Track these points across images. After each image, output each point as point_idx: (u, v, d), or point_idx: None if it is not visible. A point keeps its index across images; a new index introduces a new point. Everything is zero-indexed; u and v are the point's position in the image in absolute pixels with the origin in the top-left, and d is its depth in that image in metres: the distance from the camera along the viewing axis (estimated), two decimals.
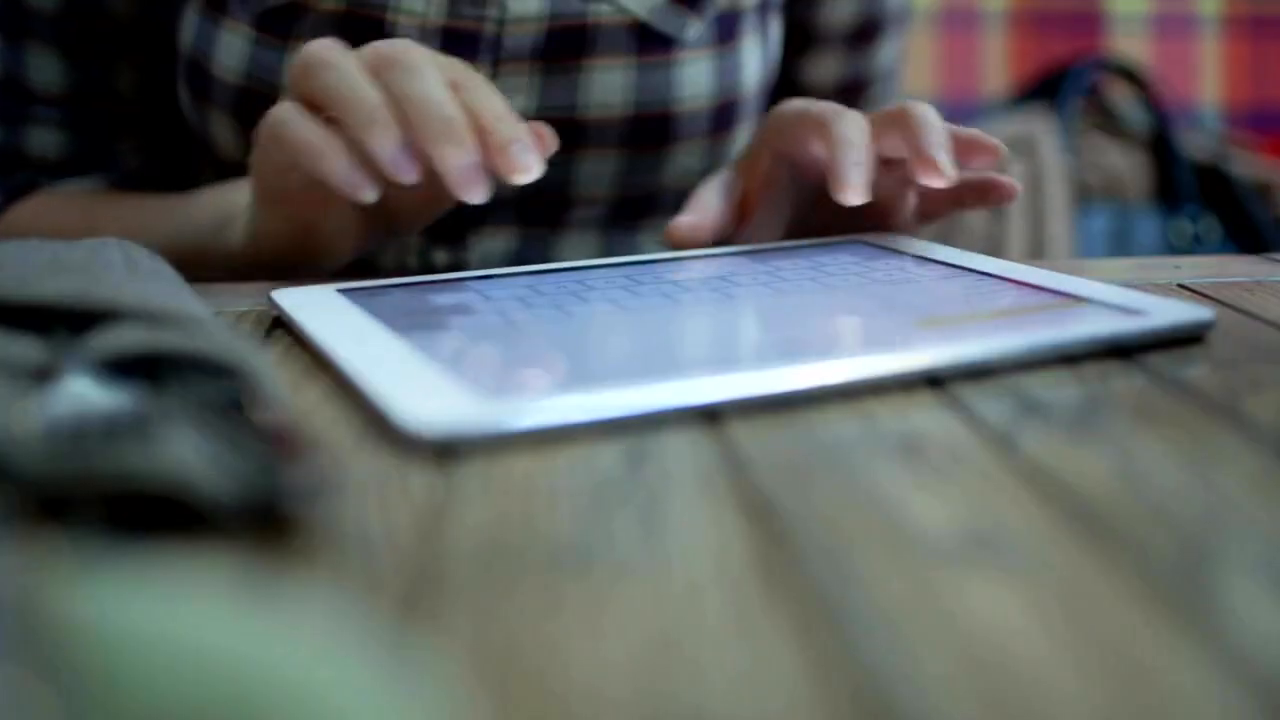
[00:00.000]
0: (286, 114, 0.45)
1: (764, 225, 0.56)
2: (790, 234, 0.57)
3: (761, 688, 0.19)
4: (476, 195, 0.42)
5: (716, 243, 0.55)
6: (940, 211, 0.54)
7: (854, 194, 0.47)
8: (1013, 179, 0.51)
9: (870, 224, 0.55)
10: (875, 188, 0.52)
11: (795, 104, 0.53)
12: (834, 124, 0.49)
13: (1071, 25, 1.49)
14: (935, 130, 0.48)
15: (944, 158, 0.47)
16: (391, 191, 0.50)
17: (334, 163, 0.44)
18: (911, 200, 0.54)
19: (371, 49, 0.44)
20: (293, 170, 0.47)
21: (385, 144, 0.42)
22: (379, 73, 0.44)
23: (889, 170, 0.52)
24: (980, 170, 0.51)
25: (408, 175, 0.42)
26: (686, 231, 0.53)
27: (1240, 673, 0.20)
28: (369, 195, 0.44)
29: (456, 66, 0.45)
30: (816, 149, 0.51)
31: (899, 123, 0.49)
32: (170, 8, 0.65)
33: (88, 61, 0.65)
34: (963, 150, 0.49)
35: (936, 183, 0.47)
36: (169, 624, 0.16)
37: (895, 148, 0.50)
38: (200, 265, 0.57)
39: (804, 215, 0.56)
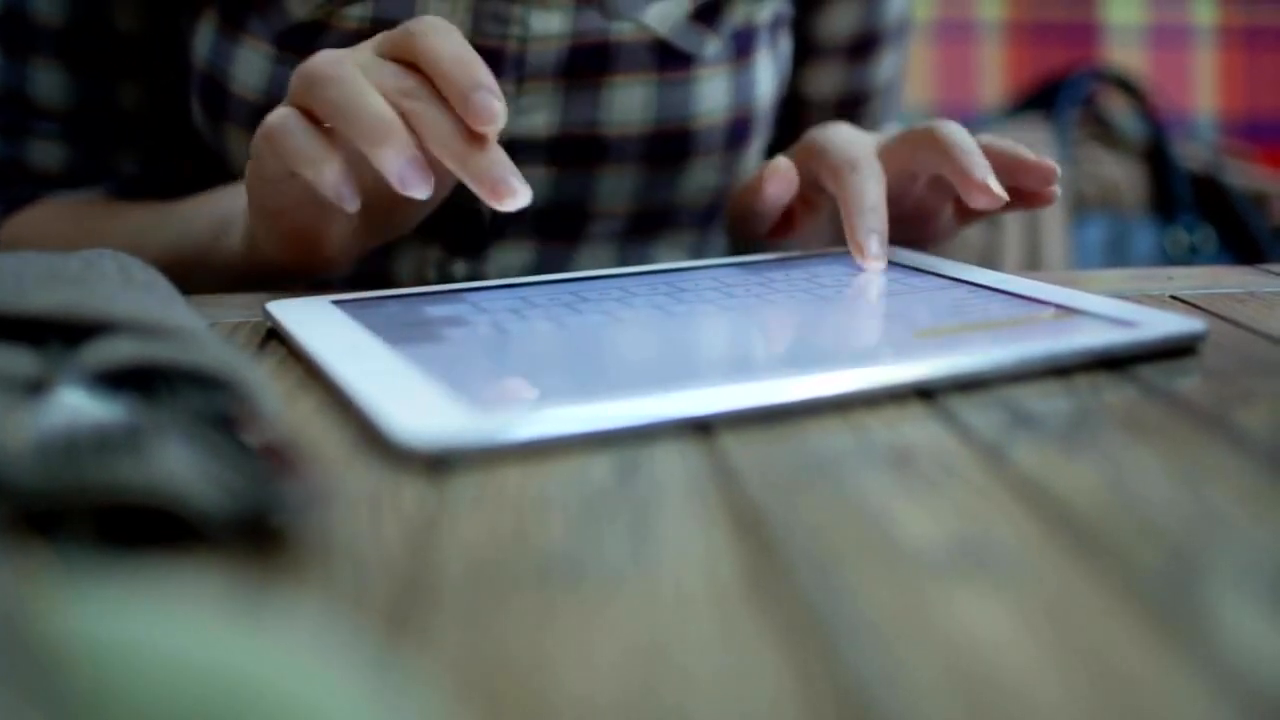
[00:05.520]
0: (285, 122, 0.44)
1: (809, 248, 0.58)
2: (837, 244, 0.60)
3: (749, 697, 0.19)
4: (518, 202, 0.42)
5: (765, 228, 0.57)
6: (977, 215, 0.56)
7: (871, 262, 0.49)
8: (1056, 191, 0.52)
9: (913, 233, 0.57)
10: (912, 202, 0.54)
11: (818, 136, 0.54)
12: (848, 183, 0.51)
13: (1068, 35, 1.49)
14: (975, 153, 0.49)
15: (994, 182, 0.48)
16: (382, 197, 0.50)
17: (326, 173, 0.43)
18: (949, 209, 0.56)
19: (376, 65, 0.44)
20: (288, 180, 0.46)
21: (392, 161, 0.42)
22: (384, 88, 0.43)
23: (929, 186, 0.54)
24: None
25: (418, 191, 0.42)
26: (782, 180, 0.54)
27: (1228, 686, 0.20)
28: (354, 205, 0.44)
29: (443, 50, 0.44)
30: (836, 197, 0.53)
31: (932, 146, 0.50)
32: (178, 24, 0.65)
33: (91, 77, 0.65)
34: (1014, 171, 0.50)
35: (988, 205, 0.49)
36: (158, 637, 0.16)
37: (930, 165, 0.51)
38: (201, 272, 0.56)
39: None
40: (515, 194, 0.42)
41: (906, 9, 0.73)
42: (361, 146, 0.42)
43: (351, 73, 0.43)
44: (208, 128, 0.64)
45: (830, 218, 0.58)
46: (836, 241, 0.59)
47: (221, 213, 0.56)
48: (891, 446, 0.31)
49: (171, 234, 0.59)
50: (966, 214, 0.56)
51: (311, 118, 0.44)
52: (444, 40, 0.43)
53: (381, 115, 0.42)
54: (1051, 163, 0.50)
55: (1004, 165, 0.50)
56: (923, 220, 0.56)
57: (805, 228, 0.58)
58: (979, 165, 0.48)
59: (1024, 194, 0.52)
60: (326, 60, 0.44)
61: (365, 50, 0.45)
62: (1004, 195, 0.48)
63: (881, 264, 0.49)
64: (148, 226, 0.60)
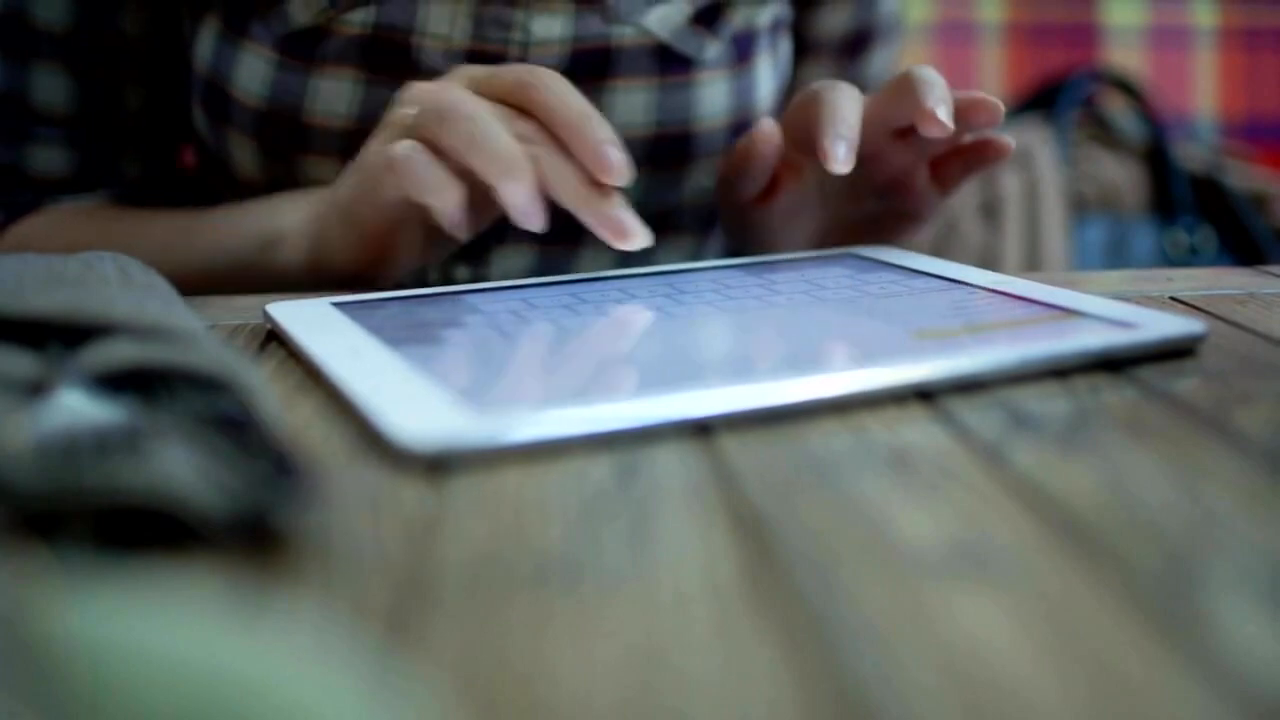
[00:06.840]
0: (412, 153, 0.47)
1: (795, 220, 0.59)
2: (830, 232, 0.60)
3: (748, 698, 0.19)
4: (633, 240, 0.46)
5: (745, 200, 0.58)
6: (953, 178, 0.57)
7: (837, 164, 0.50)
8: (1007, 139, 0.55)
9: (894, 200, 0.58)
10: (890, 162, 0.55)
11: (801, 93, 0.56)
12: (823, 99, 0.52)
13: (1068, 37, 1.49)
14: (935, 87, 0.51)
15: (944, 111, 0.50)
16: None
17: (450, 204, 0.46)
18: (924, 172, 0.57)
19: (496, 109, 0.47)
20: (398, 205, 0.49)
21: (520, 195, 0.45)
22: (509, 120, 0.47)
23: (903, 142, 0.54)
24: (980, 131, 0.54)
25: (535, 224, 0.45)
26: (767, 135, 0.55)
27: (1226, 688, 0.20)
28: (465, 236, 0.48)
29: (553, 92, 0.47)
30: (811, 125, 0.53)
31: (901, 86, 0.52)
32: (182, 28, 0.65)
33: (95, 81, 0.65)
34: (963, 110, 0.52)
35: (936, 134, 0.50)
36: (157, 639, 0.16)
37: (901, 103, 0.52)
38: (238, 285, 0.57)
39: (837, 209, 0.59)
40: (636, 235, 0.45)
41: (897, 6, 0.74)
42: (490, 178, 0.45)
43: (484, 111, 0.46)
44: (209, 131, 0.64)
45: (815, 184, 0.58)
46: (820, 207, 0.59)
47: (263, 229, 0.58)
48: (891, 448, 0.31)
49: (203, 251, 0.59)
50: (942, 180, 0.57)
51: (432, 150, 0.47)
52: (566, 95, 0.47)
53: (513, 151, 0.46)
54: (996, 100, 0.52)
55: (959, 105, 0.52)
56: (902, 187, 0.57)
57: (789, 193, 0.58)
58: (932, 95, 0.50)
59: (980, 146, 0.54)
60: (454, 97, 0.47)
61: (462, 83, 0.48)
62: (950, 124, 0.50)
63: (847, 164, 0.50)
64: (175, 242, 0.61)
